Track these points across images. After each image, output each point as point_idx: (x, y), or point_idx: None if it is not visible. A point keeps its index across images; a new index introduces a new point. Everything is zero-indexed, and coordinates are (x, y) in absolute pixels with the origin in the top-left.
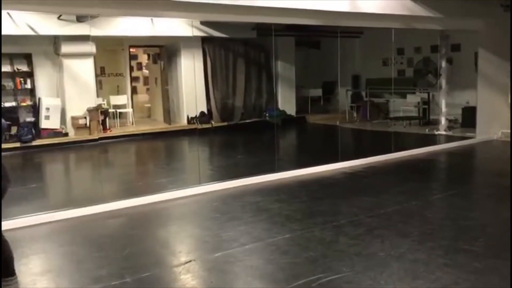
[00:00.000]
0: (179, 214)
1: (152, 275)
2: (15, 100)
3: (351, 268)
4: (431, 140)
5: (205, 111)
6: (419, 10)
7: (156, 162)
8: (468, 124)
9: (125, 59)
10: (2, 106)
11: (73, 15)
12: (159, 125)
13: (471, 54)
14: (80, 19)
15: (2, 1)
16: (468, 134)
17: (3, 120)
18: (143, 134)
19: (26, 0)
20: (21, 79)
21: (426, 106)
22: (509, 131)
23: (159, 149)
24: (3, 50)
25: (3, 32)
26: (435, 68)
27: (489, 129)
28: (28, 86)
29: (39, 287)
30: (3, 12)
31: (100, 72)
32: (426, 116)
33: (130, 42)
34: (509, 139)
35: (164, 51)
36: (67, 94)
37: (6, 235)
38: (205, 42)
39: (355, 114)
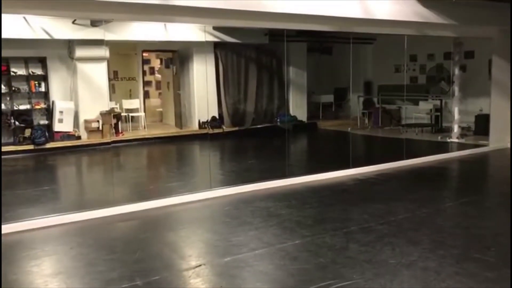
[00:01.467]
0: (190, 218)
1: (162, 278)
2: (30, 103)
3: (361, 275)
4: (443, 147)
5: (217, 116)
6: (432, 17)
7: (168, 166)
8: (481, 132)
9: (138, 64)
10: (17, 108)
11: (87, 19)
12: (171, 130)
13: (485, 61)
14: (94, 23)
15: (13, 4)
16: (481, 142)
17: None
18: (154, 138)
19: (41, 4)
20: (36, 82)
21: (439, 113)
22: (510, 139)
23: (170, 153)
24: (19, 54)
25: (19, 36)
26: (448, 75)
27: (502, 137)
28: (42, 89)
29: None
30: (19, 16)
31: (113, 76)
32: (438, 123)
33: (143, 46)
34: None
35: (177, 56)
36: (81, 97)
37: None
38: (218, 47)
39: (366, 121)
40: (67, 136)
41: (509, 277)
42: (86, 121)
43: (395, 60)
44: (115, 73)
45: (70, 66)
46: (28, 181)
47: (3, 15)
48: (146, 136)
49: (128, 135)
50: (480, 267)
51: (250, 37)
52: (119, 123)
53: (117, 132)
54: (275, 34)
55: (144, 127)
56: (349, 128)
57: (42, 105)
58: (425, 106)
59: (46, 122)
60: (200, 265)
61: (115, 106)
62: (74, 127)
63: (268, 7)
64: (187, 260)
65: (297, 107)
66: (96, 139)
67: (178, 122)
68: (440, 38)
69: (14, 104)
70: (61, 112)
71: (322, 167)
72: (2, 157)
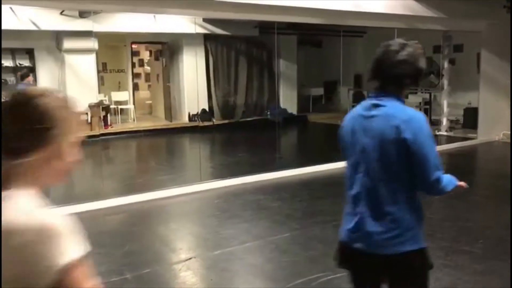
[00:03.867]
0: (180, 212)
1: (152, 272)
2: None
3: None
4: None
5: (207, 108)
6: (422, 11)
7: (157, 159)
8: (469, 125)
9: (127, 56)
10: (3, 100)
11: (76, 10)
12: (161, 122)
13: (474, 55)
14: (82, 14)
15: None
16: (470, 135)
17: None
18: (144, 131)
19: None
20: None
21: (428, 107)
22: (510, 132)
23: (160, 146)
24: (6, 45)
25: (6, 27)
26: (437, 68)
27: (490, 130)
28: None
29: None
30: (6, 6)
31: (102, 68)
32: (427, 116)
33: (132, 38)
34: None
35: (166, 48)
36: (69, 89)
37: None
38: (208, 39)
39: None
40: None
41: (496, 269)
42: None
43: None
44: (104, 65)
45: (58, 58)
46: None
47: None
48: (136, 129)
49: (117, 127)
50: (468, 259)
51: (240, 30)
52: (108, 115)
53: (106, 124)
54: (265, 27)
55: (134, 120)
56: (339, 121)
57: None
58: (414, 99)
59: None
60: (190, 258)
61: (104, 98)
62: None
63: None
64: (177, 253)
65: (287, 100)
66: (85, 132)
67: (168, 114)
68: (429, 31)
69: (1, 96)
70: None
71: (312, 160)
72: None
